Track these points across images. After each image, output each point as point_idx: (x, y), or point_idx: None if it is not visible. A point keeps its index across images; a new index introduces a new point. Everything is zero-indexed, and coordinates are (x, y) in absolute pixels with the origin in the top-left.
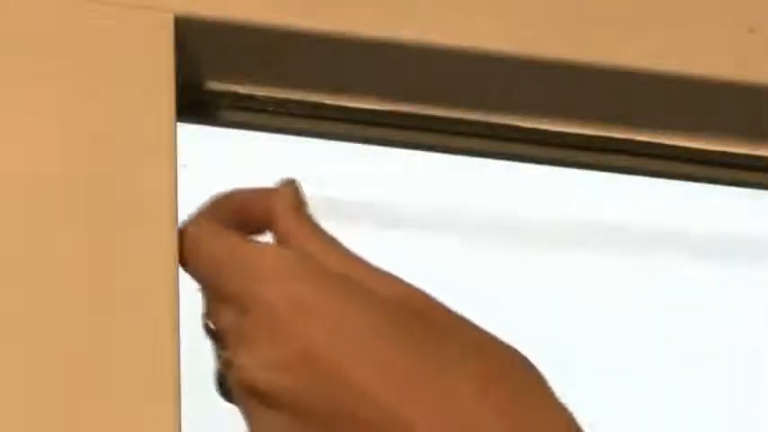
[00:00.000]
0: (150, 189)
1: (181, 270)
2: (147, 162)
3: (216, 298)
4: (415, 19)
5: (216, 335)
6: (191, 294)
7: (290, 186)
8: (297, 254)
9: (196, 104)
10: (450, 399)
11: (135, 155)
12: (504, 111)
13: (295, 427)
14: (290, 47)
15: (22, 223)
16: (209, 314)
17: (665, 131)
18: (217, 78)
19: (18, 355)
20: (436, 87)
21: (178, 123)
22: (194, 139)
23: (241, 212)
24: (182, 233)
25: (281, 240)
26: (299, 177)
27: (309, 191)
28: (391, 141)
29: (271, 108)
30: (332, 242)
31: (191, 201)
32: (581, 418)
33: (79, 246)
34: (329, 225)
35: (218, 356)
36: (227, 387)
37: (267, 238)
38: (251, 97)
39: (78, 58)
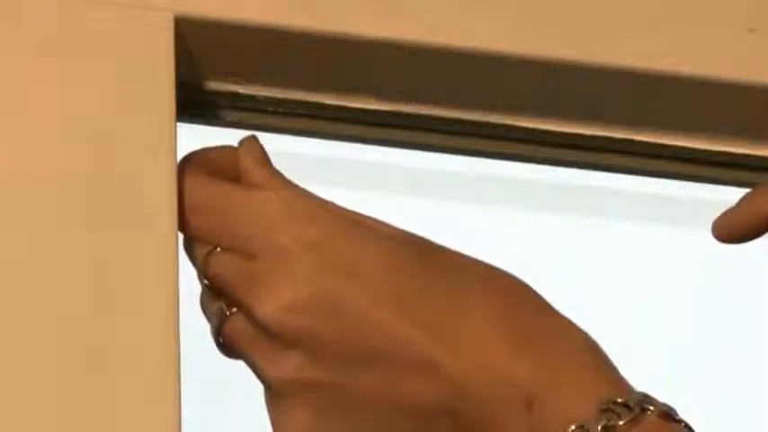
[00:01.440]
0: (150, 189)
1: (181, 270)
2: (147, 162)
3: (217, 247)
4: (415, 19)
5: (212, 289)
6: (191, 294)
7: (253, 142)
8: (300, 197)
9: (196, 104)
10: (464, 329)
11: (135, 155)
12: (504, 111)
13: (310, 365)
14: (290, 47)
15: (22, 223)
16: (205, 269)
17: (664, 131)
18: (217, 78)
19: (18, 355)
20: (436, 87)
21: (178, 123)
22: (194, 139)
23: (212, 169)
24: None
25: None
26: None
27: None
28: (391, 141)
29: (271, 108)
30: (306, 191)
31: None
32: None
33: (79, 245)
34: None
35: (215, 312)
36: (226, 341)
37: None
38: (251, 97)
39: (78, 58)
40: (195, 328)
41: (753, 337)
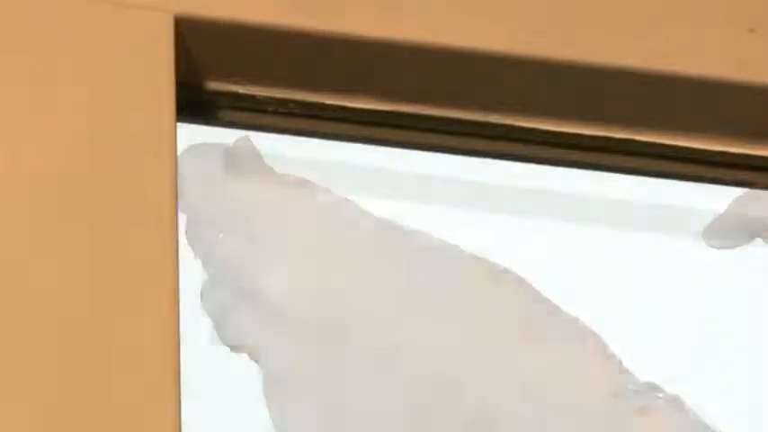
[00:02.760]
0: (150, 189)
1: (181, 270)
2: (147, 162)
3: (220, 233)
4: (415, 19)
5: (214, 278)
6: (191, 294)
7: (246, 142)
8: (295, 182)
9: (196, 104)
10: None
11: (135, 155)
12: (504, 111)
13: (312, 350)
14: (290, 47)
15: (23, 223)
16: (209, 256)
17: (665, 131)
18: (217, 78)
19: (18, 354)
20: (436, 87)
21: (178, 123)
22: (194, 139)
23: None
24: None
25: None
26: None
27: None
28: (391, 141)
29: (271, 108)
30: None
31: None
32: None
33: (80, 244)
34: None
35: (216, 304)
36: (228, 332)
37: None
38: (251, 97)
39: (78, 58)
40: (195, 327)
41: (752, 342)
